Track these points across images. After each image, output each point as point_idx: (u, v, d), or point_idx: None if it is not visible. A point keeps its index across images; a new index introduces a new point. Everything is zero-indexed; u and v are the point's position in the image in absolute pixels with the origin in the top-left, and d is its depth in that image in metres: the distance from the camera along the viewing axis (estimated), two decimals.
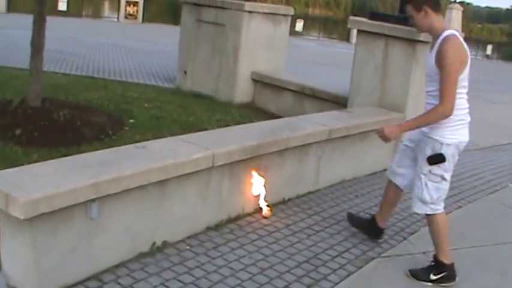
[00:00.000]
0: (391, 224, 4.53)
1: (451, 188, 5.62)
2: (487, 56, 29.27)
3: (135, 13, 22.72)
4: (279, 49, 8.33)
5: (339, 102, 6.86)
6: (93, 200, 2.97)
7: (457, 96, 3.37)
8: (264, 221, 4.27)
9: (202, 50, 8.23)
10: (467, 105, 3.50)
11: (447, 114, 3.33)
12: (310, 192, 4.97)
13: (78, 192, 2.85)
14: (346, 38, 30.28)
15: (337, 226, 4.39)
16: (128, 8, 22.57)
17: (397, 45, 5.85)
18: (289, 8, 8.45)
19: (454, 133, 3.45)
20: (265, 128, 4.63)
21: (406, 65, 5.80)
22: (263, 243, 3.91)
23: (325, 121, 5.07)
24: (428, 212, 3.65)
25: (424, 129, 3.50)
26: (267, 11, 7.91)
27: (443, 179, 3.58)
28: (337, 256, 3.87)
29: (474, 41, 31.14)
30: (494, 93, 13.32)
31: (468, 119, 3.51)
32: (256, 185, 4.26)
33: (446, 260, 3.63)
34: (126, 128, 5.77)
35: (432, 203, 3.61)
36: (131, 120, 6.06)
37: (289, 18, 8.38)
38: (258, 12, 7.80)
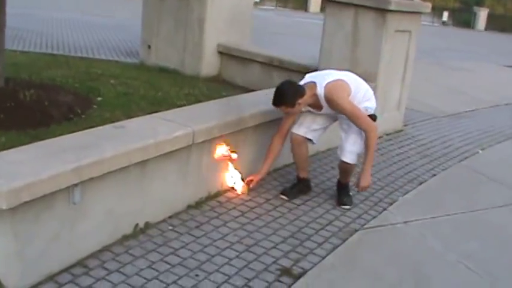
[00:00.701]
0: (369, 195, 4.56)
1: (424, 156, 5.77)
2: (443, 23, 29.63)
3: None
4: (244, 20, 8.20)
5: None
6: (75, 185, 2.87)
7: (362, 92, 4.07)
8: (244, 197, 4.22)
9: (166, 24, 8.03)
10: (365, 84, 4.23)
11: (376, 131, 3.95)
12: (286, 165, 4.93)
13: (60, 178, 2.73)
14: (304, 7, 30.24)
15: (317, 198, 4.38)
16: None
17: (367, 15, 5.81)
18: None
19: (373, 102, 4.16)
20: (240, 102, 4.56)
21: (376, 34, 5.78)
22: (246, 220, 3.87)
23: None
24: (355, 161, 4.17)
25: None
26: None
27: None
28: (320, 229, 3.86)
29: None
30: (454, 60, 13.50)
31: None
32: (230, 173, 4.24)
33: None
34: (95, 106, 5.59)
35: (359, 153, 4.16)
36: (99, 98, 5.87)
37: None
38: None
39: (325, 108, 4.02)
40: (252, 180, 4.24)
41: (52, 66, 7.25)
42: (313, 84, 3.96)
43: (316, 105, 4.04)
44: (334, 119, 4.26)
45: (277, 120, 4.46)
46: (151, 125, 3.60)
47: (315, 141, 4.34)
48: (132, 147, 3.20)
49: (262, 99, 4.66)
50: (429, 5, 6.23)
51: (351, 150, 4.11)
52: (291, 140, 4.27)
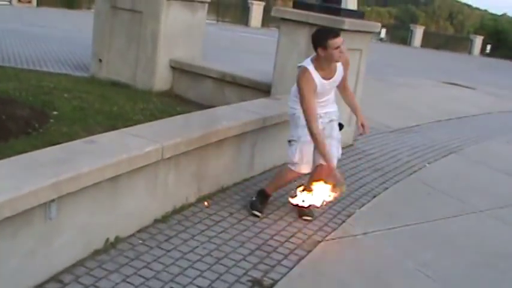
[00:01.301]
0: (327, 208, 4.71)
1: (375, 170, 6.00)
2: (381, 39, 30.56)
3: None
4: (196, 36, 8.32)
5: (261, 89, 6.96)
6: (52, 200, 2.89)
7: None
8: (208, 211, 4.30)
9: (119, 38, 8.03)
10: None
11: None
12: (245, 180, 5.05)
13: (39, 193, 2.76)
14: (245, 22, 30.54)
15: (279, 212, 4.51)
16: None
17: None
18: None
19: None
20: (203, 118, 4.65)
21: None
22: (212, 233, 3.96)
23: (258, 109, 5.16)
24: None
25: (334, 116, 4.41)
26: None
27: None
28: (285, 241, 3.99)
29: None
30: (396, 76, 13.99)
31: None
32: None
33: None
34: (52, 121, 5.55)
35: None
36: (55, 112, 5.83)
37: (206, 6, 8.35)
38: (176, 0, 7.72)
39: (338, 72, 4.29)
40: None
41: (1, 79, 7.13)
42: None
43: (333, 68, 4.24)
44: None
45: (242, 135, 4.60)
46: (121, 141, 3.65)
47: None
48: (107, 162, 3.24)
49: (223, 116, 4.77)
50: (379, 25, 6.51)
51: (336, 155, 4.29)
52: (295, 174, 4.37)
